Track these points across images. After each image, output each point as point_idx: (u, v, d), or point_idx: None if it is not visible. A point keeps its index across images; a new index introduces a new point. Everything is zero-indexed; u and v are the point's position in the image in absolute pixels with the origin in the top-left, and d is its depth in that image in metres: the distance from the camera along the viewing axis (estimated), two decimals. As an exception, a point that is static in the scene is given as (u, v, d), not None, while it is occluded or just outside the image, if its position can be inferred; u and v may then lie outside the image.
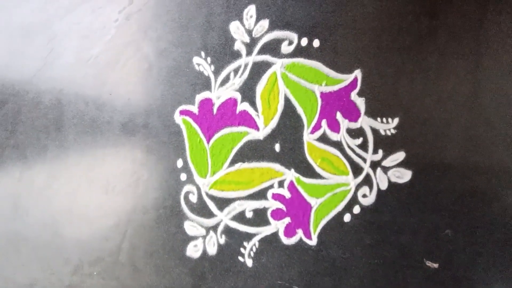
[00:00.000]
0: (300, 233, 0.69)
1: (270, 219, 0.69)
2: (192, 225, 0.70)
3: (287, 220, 0.69)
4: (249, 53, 0.67)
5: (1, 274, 0.74)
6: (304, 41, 0.67)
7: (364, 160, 0.67)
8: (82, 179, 0.72)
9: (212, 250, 0.70)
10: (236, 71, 0.68)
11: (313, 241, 0.68)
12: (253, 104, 0.68)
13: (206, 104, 0.69)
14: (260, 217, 0.69)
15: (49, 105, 0.71)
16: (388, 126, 0.66)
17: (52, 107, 0.71)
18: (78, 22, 0.70)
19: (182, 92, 0.69)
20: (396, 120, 0.66)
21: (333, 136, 0.67)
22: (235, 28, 0.67)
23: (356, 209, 0.68)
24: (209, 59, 0.68)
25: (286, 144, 0.68)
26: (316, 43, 0.67)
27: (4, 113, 0.72)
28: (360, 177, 0.67)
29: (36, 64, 0.71)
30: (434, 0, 0.65)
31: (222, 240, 0.70)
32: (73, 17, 0.70)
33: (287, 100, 0.68)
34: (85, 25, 0.70)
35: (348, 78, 0.67)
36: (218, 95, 0.68)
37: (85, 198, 0.72)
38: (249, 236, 0.69)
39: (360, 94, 0.67)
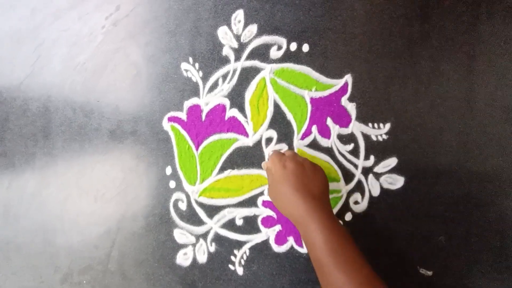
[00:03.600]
0: (291, 241, 0.68)
1: (261, 227, 0.68)
2: (182, 233, 0.69)
3: (277, 227, 0.68)
4: (237, 58, 0.67)
5: (-9, 282, 0.73)
6: (293, 46, 0.66)
7: (356, 166, 0.66)
8: (71, 186, 0.71)
9: (202, 258, 0.69)
10: (224, 77, 0.67)
11: (304, 249, 0.67)
12: (242, 110, 0.67)
13: (195, 110, 0.68)
14: (250, 225, 0.68)
15: (37, 112, 0.70)
16: (380, 132, 0.65)
17: (39, 115, 0.70)
18: (65, 29, 0.69)
19: (170, 98, 0.68)
20: (388, 126, 0.65)
21: (324, 142, 0.66)
22: (223, 33, 0.67)
23: (348, 216, 0.67)
24: (197, 65, 0.67)
25: (275, 150, 0.67)
26: (305, 48, 0.66)
27: (-8, 121, 0.71)
28: (352, 184, 0.66)
29: (23, 71, 0.70)
30: (426, 4, 0.64)
31: (212, 248, 0.69)
32: (60, 24, 0.69)
33: (276, 106, 0.67)
34: (73, 32, 0.69)
35: (338, 83, 0.66)
36: (207, 101, 0.68)
37: (74, 206, 0.71)
38: (239, 244, 0.68)
39: (350, 99, 0.66)
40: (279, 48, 0.66)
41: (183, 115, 0.68)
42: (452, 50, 0.64)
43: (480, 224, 0.65)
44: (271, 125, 0.67)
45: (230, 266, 0.69)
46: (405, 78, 0.65)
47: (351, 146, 0.66)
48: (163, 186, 0.69)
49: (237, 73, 0.67)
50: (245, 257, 0.68)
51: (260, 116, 0.67)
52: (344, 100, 0.66)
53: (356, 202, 0.66)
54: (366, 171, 0.66)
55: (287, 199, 0.55)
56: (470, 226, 0.65)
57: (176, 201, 0.69)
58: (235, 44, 0.67)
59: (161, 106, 0.68)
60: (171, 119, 0.68)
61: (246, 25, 0.66)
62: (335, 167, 0.66)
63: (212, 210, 0.69)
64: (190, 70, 0.68)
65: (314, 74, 0.66)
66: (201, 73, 0.67)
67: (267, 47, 0.66)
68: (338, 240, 0.49)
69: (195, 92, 0.68)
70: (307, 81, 0.66)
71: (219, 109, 0.67)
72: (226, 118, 0.67)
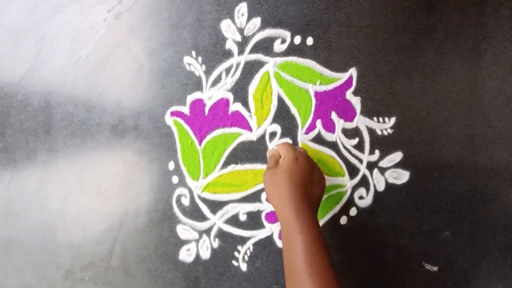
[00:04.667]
0: (295, 236, 0.67)
1: (265, 222, 0.68)
2: (185, 229, 0.68)
3: (281, 223, 0.67)
4: (241, 52, 0.66)
5: (-8, 279, 0.73)
6: (297, 39, 0.65)
7: (361, 161, 0.66)
8: (73, 182, 0.70)
9: (205, 254, 0.68)
10: (227, 70, 0.66)
11: (308, 245, 0.67)
12: (245, 104, 0.67)
13: (198, 104, 0.67)
14: (254, 220, 0.68)
15: (38, 107, 0.70)
16: (385, 126, 0.65)
17: (41, 110, 0.70)
18: (67, 22, 0.68)
19: (173, 92, 0.67)
20: (393, 120, 0.65)
21: (328, 137, 0.66)
22: (226, 26, 0.66)
23: (353, 211, 0.66)
24: (200, 58, 0.67)
25: (279, 145, 0.67)
26: (309, 41, 0.65)
27: (-7, 116, 0.70)
28: (357, 179, 0.66)
29: (24, 66, 0.70)
30: (431, -4, 0.63)
31: (216, 244, 0.68)
32: (62, 17, 0.68)
33: (280, 100, 0.66)
34: (74, 26, 0.68)
35: (343, 77, 0.65)
36: (210, 95, 0.67)
37: (76, 201, 0.71)
38: (243, 240, 0.68)
39: (355, 93, 0.65)
40: (283, 41, 0.65)
41: (186, 110, 0.67)
42: (457, 43, 0.63)
43: (486, 219, 0.64)
44: (275, 120, 0.66)
45: (234, 262, 0.68)
46: (411, 71, 0.64)
47: (355, 141, 0.65)
48: (165, 181, 0.68)
49: (241, 66, 0.66)
50: (248, 253, 0.68)
51: (264, 110, 0.66)
52: (349, 94, 0.65)
53: (361, 197, 0.66)
54: (371, 166, 0.65)
55: (284, 190, 0.53)
56: (476, 221, 0.64)
57: (179, 196, 0.68)
58: (239, 38, 0.66)
59: (164, 100, 0.68)
60: (173, 114, 0.68)
61: (249, 18, 0.66)
62: (340, 161, 0.66)
63: (215, 206, 0.68)
64: (193, 64, 0.67)
65: (319, 68, 0.65)
66: (204, 67, 0.67)
67: (271, 40, 0.65)
68: (317, 250, 0.48)
69: (198, 86, 0.67)
70: (311, 75, 0.65)
71: (223, 104, 0.67)
72: (229, 112, 0.67)
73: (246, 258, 0.68)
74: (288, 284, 0.49)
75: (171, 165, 0.68)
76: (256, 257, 0.68)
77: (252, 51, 0.66)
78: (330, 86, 0.65)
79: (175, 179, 0.68)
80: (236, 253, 0.68)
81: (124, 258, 0.70)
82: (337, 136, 0.65)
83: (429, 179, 0.64)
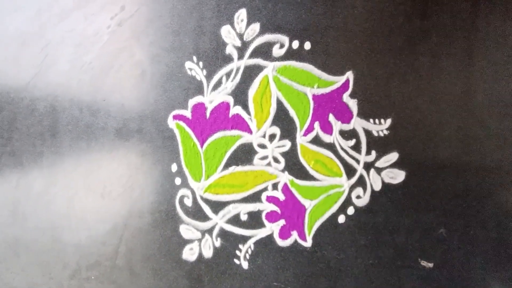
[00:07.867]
0: (295, 235, 0.69)
1: (265, 222, 0.69)
2: (188, 229, 0.70)
3: (281, 222, 0.69)
4: (240, 57, 0.68)
5: (1, 279, 0.75)
6: (296, 44, 0.67)
7: (358, 161, 0.67)
8: (78, 184, 0.72)
9: (208, 253, 0.70)
10: (228, 75, 0.68)
11: (307, 243, 0.69)
12: (245, 107, 0.68)
13: (199, 108, 0.69)
14: (255, 220, 0.70)
15: (44, 112, 0.71)
16: (381, 127, 0.67)
17: (47, 114, 0.71)
18: (71, 29, 0.70)
19: (175, 97, 0.69)
20: (389, 121, 0.66)
21: (326, 138, 0.68)
22: (226, 32, 0.68)
23: (350, 210, 0.68)
24: (201, 63, 0.68)
25: (279, 147, 0.69)
26: (307, 45, 0.67)
27: (0, 120, 0.72)
28: (354, 179, 0.68)
29: (30, 72, 0.71)
30: (425, 1, 0.65)
31: (218, 243, 0.70)
32: (66, 24, 0.70)
33: (279, 103, 0.68)
34: (78, 32, 0.70)
35: (340, 80, 0.67)
36: (211, 99, 0.69)
37: (82, 203, 0.73)
38: (244, 239, 0.70)
39: (352, 95, 0.67)
40: (282, 46, 0.67)
41: (188, 113, 0.69)
42: (451, 46, 0.65)
43: (479, 216, 0.66)
44: (274, 122, 0.68)
45: (236, 260, 0.70)
46: (406, 74, 0.66)
47: (353, 142, 0.67)
48: (168, 183, 0.70)
49: (241, 71, 0.68)
50: (250, 252, 0.70)
51: (263, 113, 0.68)
52: (346, 97, 0.67)
53: (358, 197, 0.68)
54: (368, 166, 0.67)
55: None
56: (470, 219, 0.66)
57: (182, 197, 0.70)
58: (238, 43, 0.68)
59: (166, 104, 0.69)
60: (176, 117, 0.70)
61: (249, 24, 0.67)
62: (338, 162, 0.68)
63: (217, 206, 0.70)
64: (194, 69, 0.69)
65: (316, 72, 0.67)
66: (205, 72, 0.69)
67: (269, 45, 0.67)
68: None
69: (199, 90, 0.69)
70: (309, 78, 0.67)
71: (223, 107, 0.69)
72: (230, 115, 0.69)
73: (247, 256, 0.70)
74: None
75: (174, 167, 0.70)
76: (257, 255, 0.70)
77: (252, 55, 0.68)
78: (328, 89, 0.67)
79: (177, 181, 0.70)
80: (237, 252, 0.70)
81: (129, 258, 0.72)
82: (334, 137, 0.67)
83: (424, 178, 0.66)
